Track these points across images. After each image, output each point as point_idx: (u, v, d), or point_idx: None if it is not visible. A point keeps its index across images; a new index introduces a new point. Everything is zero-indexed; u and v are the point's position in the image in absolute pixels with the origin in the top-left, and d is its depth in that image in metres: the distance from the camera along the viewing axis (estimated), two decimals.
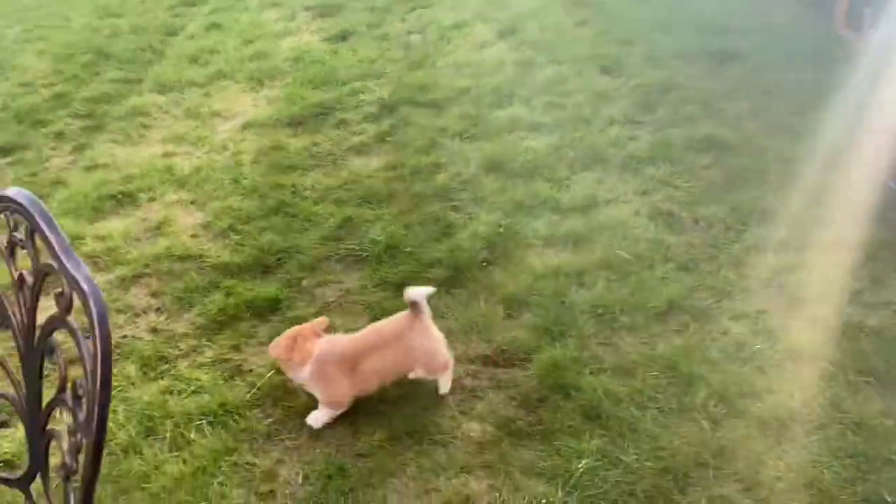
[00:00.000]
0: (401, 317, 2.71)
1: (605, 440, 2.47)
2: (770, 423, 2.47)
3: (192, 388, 2.84)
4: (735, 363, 2.71)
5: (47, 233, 1.21)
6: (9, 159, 4.64)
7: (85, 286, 1.12)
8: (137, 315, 3.25)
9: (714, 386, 2.61)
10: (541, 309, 3.03)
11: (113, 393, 2.79)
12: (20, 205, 1.25)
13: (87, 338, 1.17)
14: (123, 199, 4.06)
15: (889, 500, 2.22)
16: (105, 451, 2.53)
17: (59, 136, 4.87)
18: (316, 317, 3.09)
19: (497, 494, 2.35)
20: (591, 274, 3.18)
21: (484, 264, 3.33)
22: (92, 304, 1.10)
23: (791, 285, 3.03)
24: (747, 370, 2.67)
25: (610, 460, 2.41)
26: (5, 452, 2.54)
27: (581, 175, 3.86)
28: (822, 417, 2.49)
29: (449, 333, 2.97)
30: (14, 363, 1.51)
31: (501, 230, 3.50)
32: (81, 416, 1.23)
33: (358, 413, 2.66)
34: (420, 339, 2.66)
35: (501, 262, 3.33)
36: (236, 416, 2.71)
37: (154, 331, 3.16)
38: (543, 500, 2.32)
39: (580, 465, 2.39)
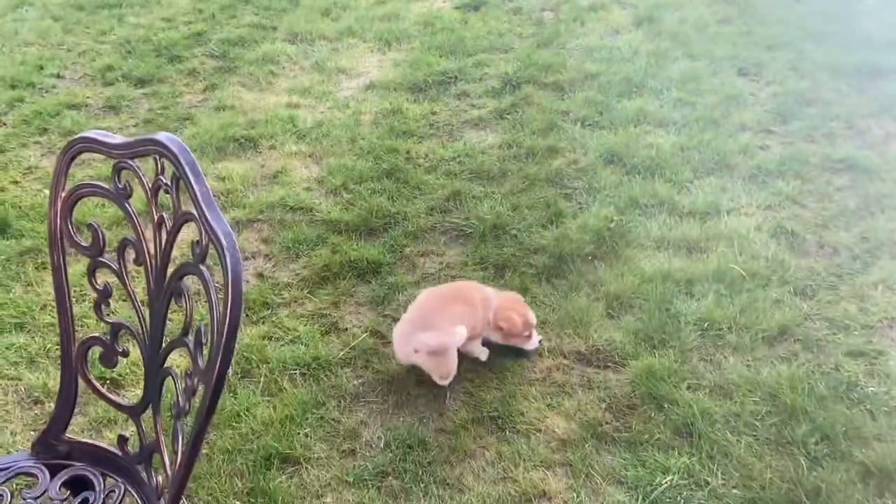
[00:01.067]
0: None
1: (694, 460, 2.39)
2: (874, 471, 2.33)
3: (290, 337, 2.92)
4: (844, 403, 2.56)
5: (193, 182, 1.24)
6: (145, 90, 4.85)
7: (223, 240, 1.15)
8: (246, 258, 3.36)
9: (818, 423, 2.48)
10: (644, 313, 2.94)
11: None
12: (171, 151, 1.29)
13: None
14: (246, 144, 4.19)
15: None
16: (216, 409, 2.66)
17: (193, 73, 5.05)
18: (414, 286, 3.14)
19: (574, 495, 2.32)
20: (702, 285, 3.06)
21: (590, 258, 3.26)
22: (228, 259, 1.13)
23: None
24: (856, 412, 2.52)
25: (696, 481, 2.33)
26: (113, 371, 2.68)
27: (704, 180, 3.71)
28: None
29: (544, 324, 2.94)
30: (141, 299, 1.58)
31: (612, 225, 3.41)
32: (201, 362, 1.27)
33: (445, 390, 2.68)
34: None
35: (608, 259, 3.25)
36: (328, 372, 2.78)
37: (260, 276, 3.26)
38: None
39: (665, 481, 2.32)
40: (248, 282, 3.22)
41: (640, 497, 2.30)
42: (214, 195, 3.71)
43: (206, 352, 1.24)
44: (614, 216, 3.47)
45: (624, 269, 3.18)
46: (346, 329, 2.98)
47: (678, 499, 2.28)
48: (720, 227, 3.36)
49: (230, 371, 2.73)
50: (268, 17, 5.85)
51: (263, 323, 3.01)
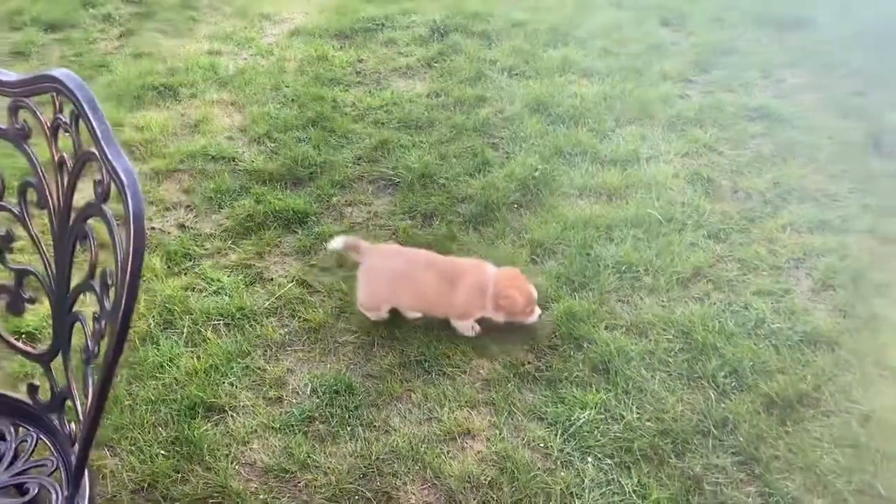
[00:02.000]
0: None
1: (610, 395, 2.49)
2: (777, 402, 2.47)
3: (214, 288, 2.89)
4: (751, 338, 2.69)
5: (92, 119, 1.21)
6: (57, 36, 4.63)
7: (124, 177, 1.13)
8: (167, 209, 3.29)
9: (726, 358, 2.61)
10: (565, 258, 3.02)
11: None
12: (68, 88, 1.25)
13: (120, 224, 1.18)
14: (165, 92, 4.06)
15: (883, 493, 2.23)
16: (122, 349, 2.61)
17: (108, 19, 4.84)
18: (340, 233, 3.13)
19: (497, 431, 2.39)
20: (621, 230, 3.15)
21: (515, 206, 3.31)
22: (129, 196, 1.11)
23: (820, 269, 2.98)
24: (762, 347, 2.66)
25: (612, 415, 2.43)
26: (27, 325, 2.61)
27: (626, 128, 3.79)
28: (830, 404, 2.48)
29: None
30: (46, 243, 1.53)
31: (537, 174, 3.46)
32: (108, 303, 1.25)
33: (374, 336, 2.70)
34: None
35: (533, 206, 3.30)
36: (253, 322, 2.76)
37: (182, 227, 3.20)
38: (541, 444, 2.36)
39: (582, 416, 2.42)
40: (169, 233, 3.16)
41: (560, 431, 2.39)
42: (132, 146, 3.61)
43: (112, 293, 1.22)
44: (539, 165, 3.52)
45: (548, 216, 3.24)
46: (272, 279, 2.96)
47: (595, 432, 2.38)
48: (640, 175, 3.45)
49: (150, 322, 2.70)
50: None
51: (186, 274, 2.96)
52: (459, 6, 4.91)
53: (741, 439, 2.37)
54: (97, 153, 1.21)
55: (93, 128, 1.22)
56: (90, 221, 1.34)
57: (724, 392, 2.51)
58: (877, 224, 3.19)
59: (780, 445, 2.35)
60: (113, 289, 1.21)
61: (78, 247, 1.38)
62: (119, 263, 1.14)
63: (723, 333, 2.70)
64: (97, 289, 1.28)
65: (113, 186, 1.21)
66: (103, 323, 1.26)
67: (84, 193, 1.46)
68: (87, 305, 1.45)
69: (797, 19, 4.75)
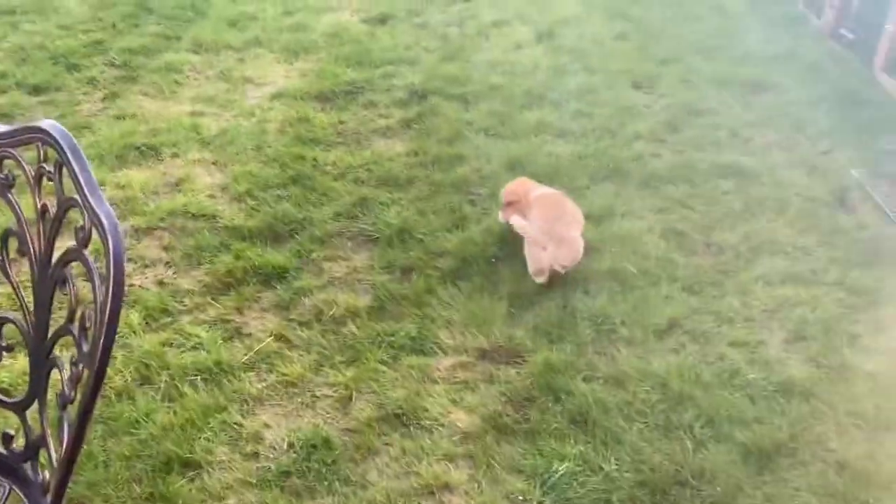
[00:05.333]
0: None
1: (589, 447, 2.49)
2: (754, 452, 2.49)
3: (192, 343, 2.89)
4: (727, 389, 2.72)
5: (76, 168, 1.24)
6: (41, 98, 4.69)
7: (105, 221, 1.16)
8: (147, 266, 3.30)
9: (703, 408, 2.63)
10: (542, 311, 3.05)
11: (115, 339, 2.85)
12: (53, 137, 1.29)
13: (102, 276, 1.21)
14: (147, 152, 4.11)
15: None
16: (100, 394, 2.60)
17: (92, 82, 4.92)
18: (321, 290, 3.16)
19: (476, 485, 2.38)
20: (597, 283, 3.20)
21: (493, 260, 3.36)
22: (110, 239, 1.14)
23: (793, 320, 3.03)
24: (738, 397, 2.69)
25: (591, 467, 2.43)
26: (2, 380, 2.58)
27: (600, 185, 3.88)
28: (806, 454, 2.50)
29: (449, 324, 3.01)
30: (27, 292, 1.55)
31: (514, 229, 3.52)
32: (85, 347, 1.26)
33: (352, 390, 2.70)
34: None
35: (510, 261, 3.35)
36: (230, 377, 2.75)
37: (161, 283, 3.20)
38: (521, 497, 2.35)
39: (561, 468, 2.41)
40: (148, 289, 3.16)
41: (539, 484, 2.38)
42: (113, 203, 3.64)
43: (90, 336, 1.24)
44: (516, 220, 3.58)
45: (524, 269, 3.28)
46: (251, 334, 2.97)
47: (574, 484, 2.38)
48: (614, 230, 3.52)
49: (127, 378, 2.68)
50: (172, 28, 5.75)
51: (164, 330, 2.96)
52: (437, 70, 5.05)
53: (719, 489, 2.37)
54: (79, 199, 1.24)
55: (76, 175, 1.25)
56: (71, 268, 1.36)
57: (701, 442, 2.53)
58: (844, 276, 3.27)
59: (757, 495, 2.36)
60: (91, 331, 1.23)
61: (59, 294, 1.40)
62: (98, 304, 1.16)
63: (699, 384, 2.73)
64: (75, 333, 1.30)
65: (94, 234, 1.24)
66: (80, 367, 1.27)
67: (64, 243, 1.49)
68: (65, 351, 1.46)
69: (762, 82, 4.94)
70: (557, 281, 3.19)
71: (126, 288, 3.13)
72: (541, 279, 3.18)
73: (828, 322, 3.02)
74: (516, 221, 3.32)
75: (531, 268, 3.21)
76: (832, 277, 3.27)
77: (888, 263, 3.34)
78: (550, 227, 3.23)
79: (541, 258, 3.18)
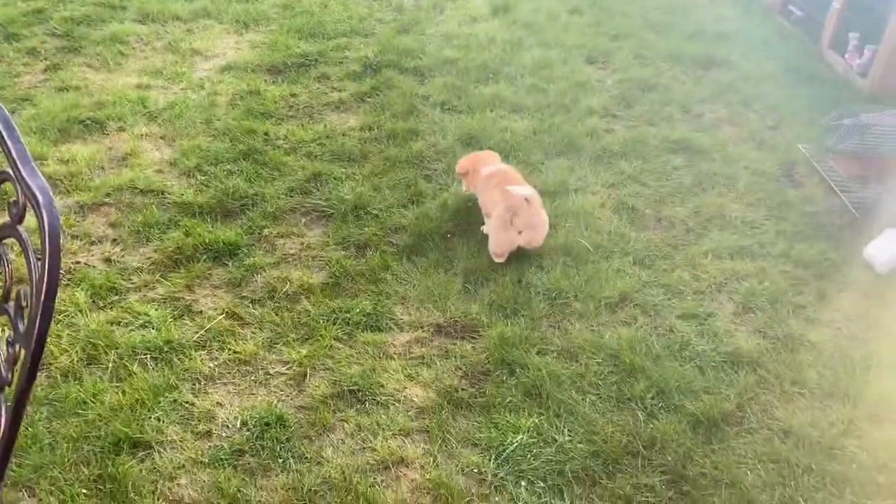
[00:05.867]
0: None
1: (543, 419, 2.52)
2: (703, 421, 2.54)
3: (140, 322, 2.82)
4: (677, 360, 2.77)
5: (6, 139, 1.19)
6: None
7: (39, 195, 1.11)
8: (93, 243, 3.21)
9: (654, 379, 2.68)
10: (498, 286, 3.06)
11: (59, 318, 2.78)
12: None
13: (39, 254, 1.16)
14: (92, 126, 3.98)
15: None
16: (44, 374, 2.53)
17: (33, 52, 4.73)
18: (274, 267, 3.11)
19: (431, 459, 2.39)
20: (551, 258, 3.22)
21: (448, 236, 3.35)
22: (44, 213, 1.09)
23: (741, 292, 3.10)
24: (688, 368, 2.74)
25: (544, 439, 2.46)
26: None
27: (555, 161, 3.89)
28: (753, 422, 2.57)
29: (405, 300, 3.00)
30: None
31: (470, 204, 3.51)
32: (22, 327, 1.22)
33: (307, 367, 2.68)
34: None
35: (465, 236, 3.35)
36: (181, 355, 2.70)
37: (108, 261, 3.12)
38: (475, 470, 2.37)
39: (515, 440, 2.44)
40: (94, 267, 3.08)
41: (493, 456, 2.40)
42: (56, 179, 3.54)
43: (26, 315, 1.19)
44: (472, 196, 3.57)
45: (480, 245, 3.29)
46: (201, 312, 2.91)
47: (528, 456, 2.40)
48: (568, 205, 3.54)
49: (73, 357, 2.61)
50: None
51: (111, 308, 2.89)
52: (392, 43, 4.99)
53: (669, 458, 2.42)
54: (12, 173, 1.19)
55: (7, 148, 1.20)
56: (4, 244, 1.30)
57: (652, 413, 2.57)
58: (791, 249, 3.34)
59: (706, 463, 2.42)
60: (27, 311, 1.18)
61: None
62: (34, 284, 1.12)
63: (650, 356, 2.78)
64: (11, 312, 1.25)
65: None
66: (17, 347, 1.23)
67: None
68: (1, 331, 1.41)
69: (713, 58, 5.00)
70: (512, 256, 3.20)
71: (70, 264, 3.06)
72: (500, 259, 3.18)
73: (774, 294, 3.09)
74: (515, 191, 3.19)
75: (496, 248, 3.20)
76: (779, 250, 3.34)
77: (833, 236, 3.43)
78: (526, 213, 3.15)
79: (513, 241, 3.16)
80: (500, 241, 3.19)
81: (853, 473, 2.40)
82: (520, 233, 3.16)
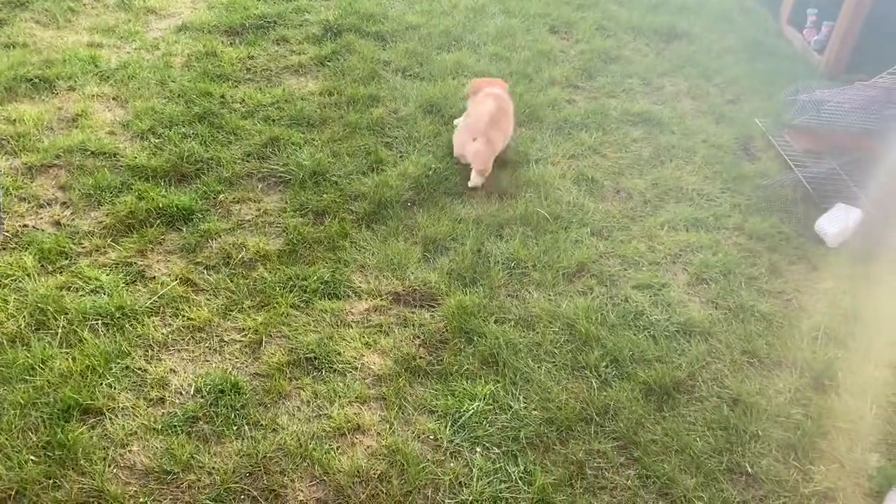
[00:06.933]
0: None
1: (499, 386, 2.54)
2: (655, 389, 2.60)
3: (91, 287, 2.76)
4: (631, 329, 2.82)
5: None
6: None
7: None
8: (41, 206, 3.12)
9: (608, 348, 2.72)
10: (457, 255, 3.06)
11: (6, 282, 2.71)
12: None
13: None
14: (40, 85, 3.84)
15: (750, 471, 2.38)
16: None
17: None
18: (229, 233, 3.06)
19: (387, 426, 2.40)
20: (510, 228, 3.23)
21: (408, 204, 3.33)
22: None
23: (695, 264, 3.15)
24: (641, 338, 2.79)
25: (500, 405, 2.49)
26: None
27: (516, 131, 3.87)
28: (703, 390, 2.63)
29: (363, 268, 2.99)
30: None
31: (430, 173, 3.49)
32: None
33: (262, 335, 2.65)
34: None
35: (426, 205, 3.33)
36: (133, 322, 2.66)
37: (57, 224, 3.04)
38: (431, 436, 2.38)
39: (471, 407, 2.46)
40: (43, 230, 2.99)
41: (449, 423, 2.42)
42: (3, 139, 3.41)
43: None
44: (432, 164, 3.55)
45: (440, 214, 3.28)
46: (154, 277, 2.86)
47: (483, 423, 2.43)
48: (529, 175, 3.54)
49: (20, 323, 2.54)
50: None
51: (61, 273, 2.81)
52: (353, 6, 4.89)
53: (621, 425, 2.47)
54: None
55: None
56: None
57: (605, 381, 2.62)
58: (745, 221, 3.40)
59: (657, 430, 2.47)
60: None
61: None
62: None
63: (605, 325, 2.82)
64: None
65: None
66: None
67: None
68: None
69: (675, 31, 5.02)
70: (472, 223, 3.20)
71: (18, 227, 2.96)
72: (477, 181, 3.45)
73: (727, 266, 3.15)
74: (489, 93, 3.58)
75: (456, 151, 3.57)
76: (733, 222, 3.40)
77: (785, 209, 3.50)
78: (486, 127, 3.43)
79: (463, 146, 3.49)
80: (456, 144, 3.57)
81: (797, 439, 2.48)
82: (473, 140, 3.43)
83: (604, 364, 2.66)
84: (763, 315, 2.94)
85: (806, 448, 2.46)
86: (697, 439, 2.45)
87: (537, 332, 2.76)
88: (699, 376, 2.68)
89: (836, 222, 3.33)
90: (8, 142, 3.40)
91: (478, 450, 2.36)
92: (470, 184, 3.44)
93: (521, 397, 2.52)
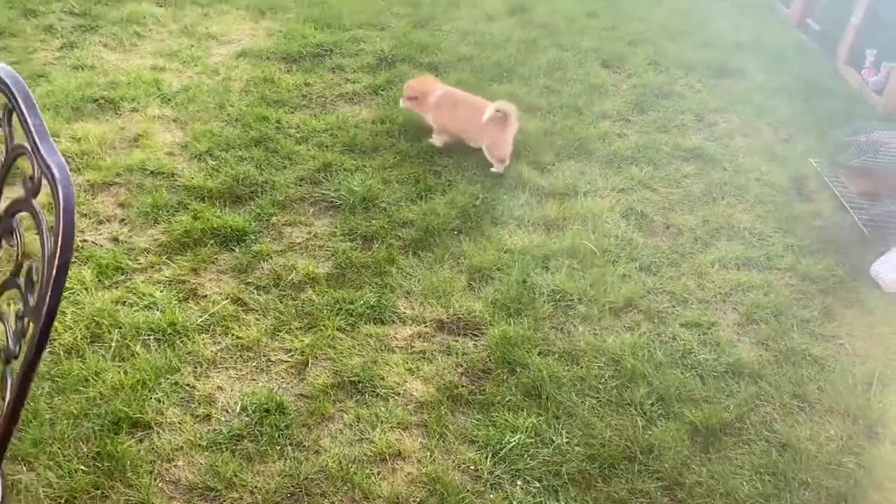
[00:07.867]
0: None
1: (541, 419, 2.52)
2: (701, 430, 2.55)
3: (145, 303, 2.83)
4: (678, 368, 2.78)
5: (26, 114, 1.19)
6: None
7: (56, 171, 1.12)
8: (101, 222, 3.22)
9: (654, 386, 2.68)
10: (502, 285, 3.06)
11: (65, 295, 2.79)
12: (3, 82, 1.23)
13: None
14: (105, 105, 3.99)
15: None
16: (48, 350, 2.54)
17: (50, 29, 4.74)
18: (280, 255, 3.12)
19: (428, 454, 2.40)
20: (557, 260, 3.22)
21: (455, 233, 3.36)
22: (60, 189, 1.10)
23: (746, 304, 3.10)
24: (689, 377, 2.74)
25: (542, 439, 2.47)
26: None
27: (565, 163, 3.89)
28: (751, 433, 2.57)
29: (409, 294, 3.01)
30: None
31: (478, 202, 3.52)
32: (32, 301, 1.22)
33: (308, 356, 2.69)
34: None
35: (472, 234, 3.35)
36: (184, 338, 2.71)
37: (115, 240, 3.13)
38: (472, 466, 2.37)
39: (513, 439, 2.44)
40: (101, 246, 3.09)
41: (490, 454, 2.40)
42: (67, 156, 3.55)
43: (36, 289, 1.20)
44: (480, 194, 3.58)
45: (487, 243, 3.29)
46: (206, 296, 2.92)
47: (525, 456, 2.41)
48: (577, 208, 3.54)
49: (76, 335, 2.62)
50: None
51: (117, 288, 2.89)
52: (408, 37, 4.99)
53: (666, 465, 2.42)
54: (29, 147, 1.19)
55: (26, 122, 1.20)
56: (18, 218, 1.31)
57: (650, 419, 2.58)
58: (798, 262, 3.34)
59: (702, 472, 2.42)
60: (38, 284, 1.19)
61: (5, 245, 1.35)
62: (46, 259, 1.12)
63: (651, 362, 2.78)
64: (21, 286, 1.26)
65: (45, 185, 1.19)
66: (25, 321, 1.23)
67: (12, 193, 1.44)
68: (11, 305, 1.41)
69: (727, 68, 4.99)
70: (518, 255, 3.20)
71: (78, 242, 3.07)
72: (501, 167, 3.74)
73: (779, 307, 3.09)
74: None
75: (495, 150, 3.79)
76: (786, 263, 3.34)
77: (840, 252, 3.42)
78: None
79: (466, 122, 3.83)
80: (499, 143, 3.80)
81: (849, 489, 2.40)
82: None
83: (649, 402, 2.62)
84: (815, 359, 2.87)
85: (857, 498, 2.38)
86: (744, 483, 2.39)
87: (582, 367, 2.73)
88: (747, 419, 2.62)
89: (892, 267, 3.25)
90: (73, 159, 3.53)
91: (518, 483, 2.34)
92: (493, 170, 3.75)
93: (563, 432, 2.50)
